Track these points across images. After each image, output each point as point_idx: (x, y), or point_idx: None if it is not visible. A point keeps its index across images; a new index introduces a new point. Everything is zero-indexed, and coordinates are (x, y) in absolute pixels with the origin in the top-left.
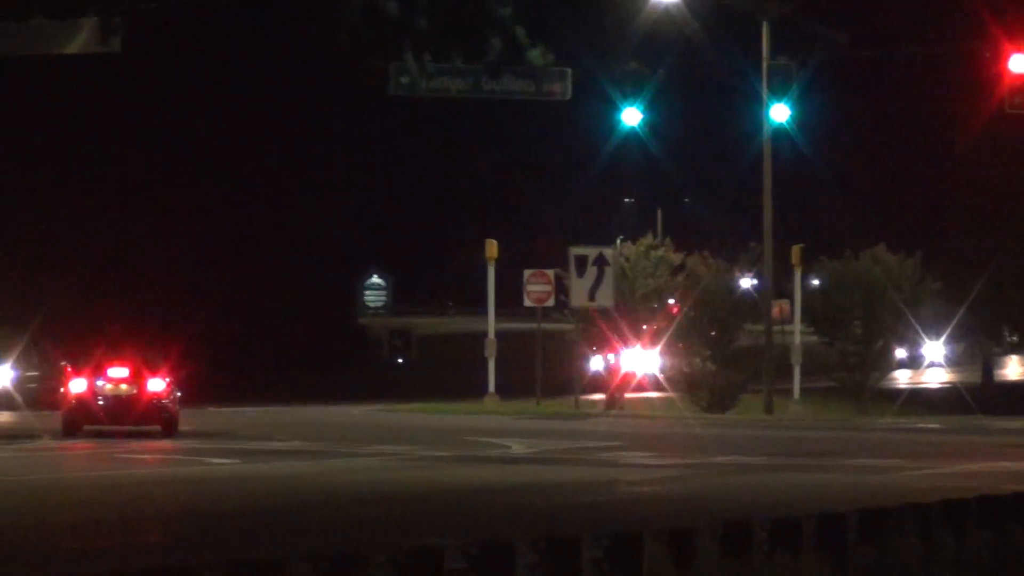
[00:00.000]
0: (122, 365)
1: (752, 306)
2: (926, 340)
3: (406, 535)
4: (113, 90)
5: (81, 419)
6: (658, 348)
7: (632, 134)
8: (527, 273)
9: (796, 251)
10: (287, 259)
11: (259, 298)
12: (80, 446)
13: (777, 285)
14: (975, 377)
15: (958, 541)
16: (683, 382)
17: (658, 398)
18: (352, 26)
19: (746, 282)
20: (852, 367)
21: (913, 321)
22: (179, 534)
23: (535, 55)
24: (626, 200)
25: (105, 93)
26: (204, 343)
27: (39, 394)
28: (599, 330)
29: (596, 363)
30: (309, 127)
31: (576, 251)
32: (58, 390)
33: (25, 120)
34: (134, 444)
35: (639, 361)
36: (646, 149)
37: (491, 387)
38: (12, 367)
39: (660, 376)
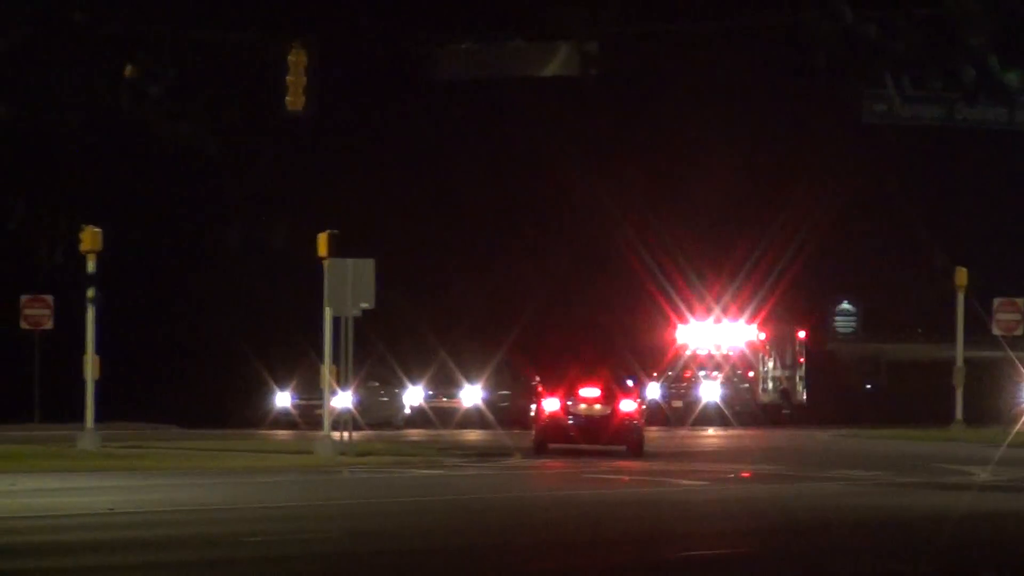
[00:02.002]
0: (594, 385)
1: None
2: None
3: (857, 562)
4: (581, 112)
5: (552, 437)
6: None
7: None
8: (996, 302)
9: None
10: (761, 284)
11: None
12: (551, 465)
13: None
14: None
15: None
16: None
17: None
18: (830, 49)
19: None
20: None
21: None
22: (653, 556)
23: (1012, 78)
24: None
25: (575, 114)
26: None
27: (510, 412)
28: None
29: None
30: (783, 150)
31: None
32: (528, 408)
33: (504, 139)
34: (602, 463)
35: None
36: None
37: (958, 414)
38: (483, 386)
39: None
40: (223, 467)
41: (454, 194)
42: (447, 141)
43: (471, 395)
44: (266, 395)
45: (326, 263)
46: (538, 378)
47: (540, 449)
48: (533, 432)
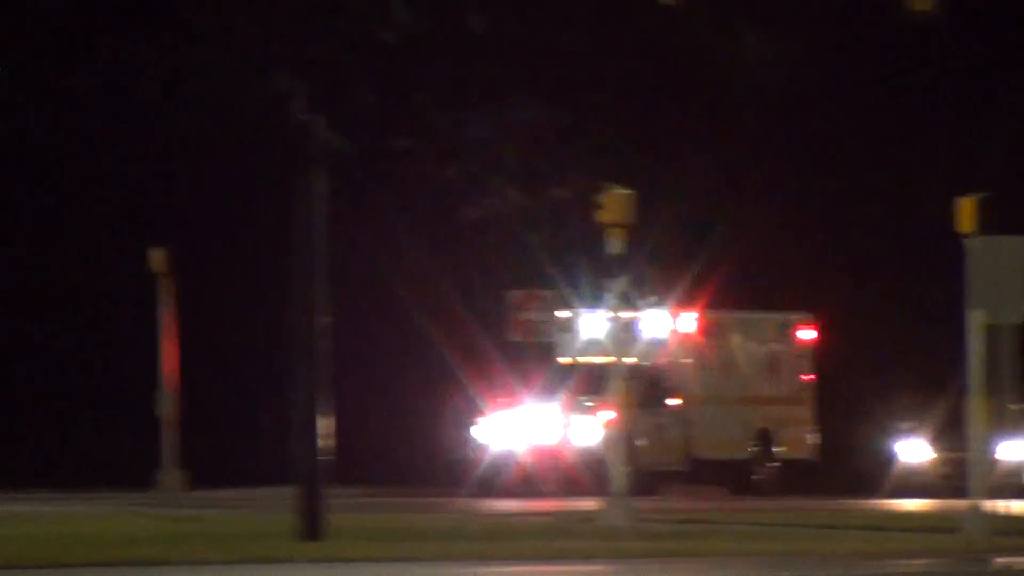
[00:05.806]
0: None
1: None
2: None
3: None
4: None
5: None
6: None
7: None
8: None
9: None
10: None
11: None
12: None
13: None
14: None
15: None
16: None
17: None
18: None
19: None
20: None
21: None
22: None
23: None
24: None
25: None
26: None
27: None
28: None
29: None
30: None
31: None
32: None
33: None
34: None
35: None
36: None
37: None
38: None
39: None
40: (831, 551)
41: None
42: None
43: None
44: (887, 446)
45: (971, 243)
46: None
47: None
48: None
